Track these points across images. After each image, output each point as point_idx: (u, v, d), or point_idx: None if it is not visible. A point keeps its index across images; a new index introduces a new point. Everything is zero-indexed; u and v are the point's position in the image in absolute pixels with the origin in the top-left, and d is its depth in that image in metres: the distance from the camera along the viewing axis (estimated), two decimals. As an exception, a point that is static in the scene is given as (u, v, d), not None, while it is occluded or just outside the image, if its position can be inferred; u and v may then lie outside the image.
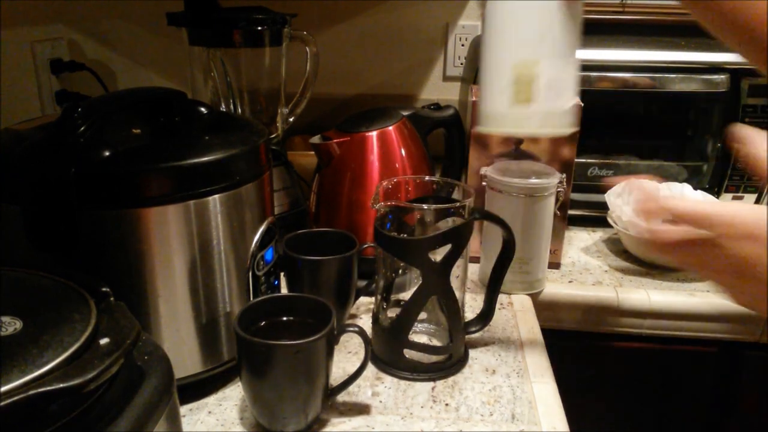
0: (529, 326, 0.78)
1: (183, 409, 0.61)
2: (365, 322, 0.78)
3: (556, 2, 0.54)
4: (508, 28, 0.56)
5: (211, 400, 0.64)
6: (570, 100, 0.56)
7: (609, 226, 0.96)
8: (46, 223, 0.53)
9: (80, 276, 0.46)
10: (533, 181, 0.79)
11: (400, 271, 0.76)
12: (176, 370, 0.45)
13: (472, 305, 0.81)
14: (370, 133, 0.84)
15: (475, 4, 1.30)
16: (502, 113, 0.56)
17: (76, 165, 0.52)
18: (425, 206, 0.70)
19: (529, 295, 0.85)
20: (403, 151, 0.85)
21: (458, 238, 0.65)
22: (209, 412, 0.62)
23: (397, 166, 0.84)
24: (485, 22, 0.59)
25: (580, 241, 1.02)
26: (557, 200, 0.82)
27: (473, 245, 0.81)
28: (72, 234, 0.53)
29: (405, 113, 0.88)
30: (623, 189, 0.98)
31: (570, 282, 0.89)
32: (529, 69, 0.54)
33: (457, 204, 0.67)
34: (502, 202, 0.81)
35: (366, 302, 0.83)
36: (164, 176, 0.55)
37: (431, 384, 0.67)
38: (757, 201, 1.02)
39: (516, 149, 0.86)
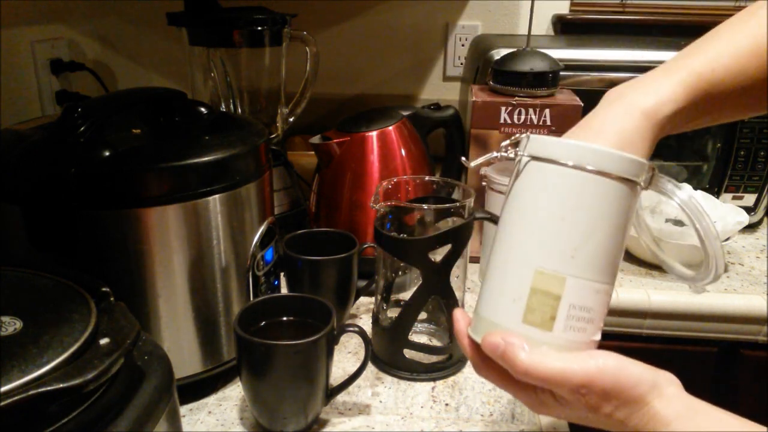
0: (529, 326, 0.78)
1: (183, 409, 0.61)
2: (365, 322, 0.78)
3: (607, 206, 0.41)
4: (536, 220, 0.42)
5: (211, 400, 0.64)
6: (593, 334, 0.42)
7: (609, 226, 0.96)
8: (46, 223, 0.53)
9: (80, 276, 0.46)
10: (533, 181, 0.78)
11: (400, 271, 0.76)
12: (176, 370, 0.45)
13: (472, 305, 0.80)
14: (370, 133, 0.84)
15: (475, 4, 1.29)
16: (506, 328, 0.41)
17: (76, 165, 0.52)
18: (425, 206, 0.70)
19: (529, 295, 0.85)
20: (403, 151, 0.85)
21: (458, 238, 0.65)
22: (209, 412, 0.62)
23: (397, 166, 0.84)
24: (512, 191, 0.45)
25: (580, 241, 1.02)
26: (557, 200, 0.81)
27: (473, 245, 0.81)
28: (72, 234, 0.53)
29: (405, 113, 0.88)
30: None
31: (570, 282, 0.89)
32: (552, 285, 0.40)
33: (457, 204, 0.67)
34: (502, 202, 0.80)
35: (366, 302, 0.83)
36: (164, 176, 0.55)
37: (431, 384, 0.67)
38: (757, 201, 1.02)
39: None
